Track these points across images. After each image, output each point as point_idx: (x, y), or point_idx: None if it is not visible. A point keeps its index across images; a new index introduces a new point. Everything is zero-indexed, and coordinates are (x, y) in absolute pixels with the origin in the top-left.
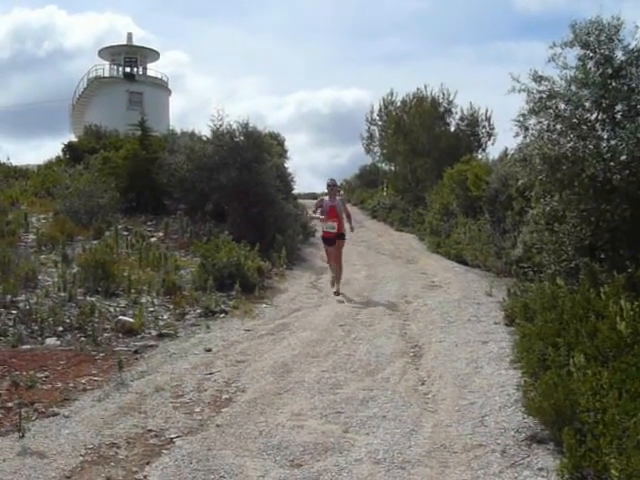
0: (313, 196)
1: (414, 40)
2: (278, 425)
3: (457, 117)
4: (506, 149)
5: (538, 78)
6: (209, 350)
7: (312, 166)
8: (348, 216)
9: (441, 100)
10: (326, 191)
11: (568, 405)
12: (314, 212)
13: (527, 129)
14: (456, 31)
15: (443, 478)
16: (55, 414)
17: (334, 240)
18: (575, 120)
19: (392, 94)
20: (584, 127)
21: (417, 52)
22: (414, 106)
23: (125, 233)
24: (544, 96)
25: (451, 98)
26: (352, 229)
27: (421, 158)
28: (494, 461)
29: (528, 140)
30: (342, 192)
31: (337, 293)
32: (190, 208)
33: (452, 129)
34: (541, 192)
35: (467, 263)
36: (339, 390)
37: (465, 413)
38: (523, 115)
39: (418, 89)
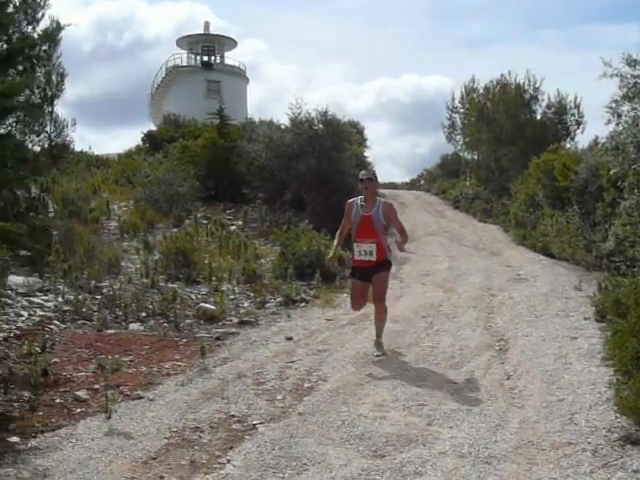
0: (393, 186)
1: (499, 24)
2: (360, 415)
3: (544, 104)
4: (596, 137)
5: (632, 62)
6: (290, 338)
7: (392, 156)
8: (401, 230)
9: (526, 87)
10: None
11: None
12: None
13: (620, 116)
14: (543, 14)
15: (531, 475)
16: (140, 397)
17: (368, 273)
18: None
19: (474, 81)
20: None
21: (501, 37)
22: (498, 93)
23: (204, 221)
24: (639, 81)
25: (537, 85)
26: (402, 247)
27: (505, 147)
28: (585, 460)
29: (621, 128)
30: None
31: (380, 348)
32: (269, 197)
33: (538, 117)
34: (635, 182)
35: (554, 256)
36: (421, 382)
37: (553, 410)
38: (616, 101)
39: (502, 75)
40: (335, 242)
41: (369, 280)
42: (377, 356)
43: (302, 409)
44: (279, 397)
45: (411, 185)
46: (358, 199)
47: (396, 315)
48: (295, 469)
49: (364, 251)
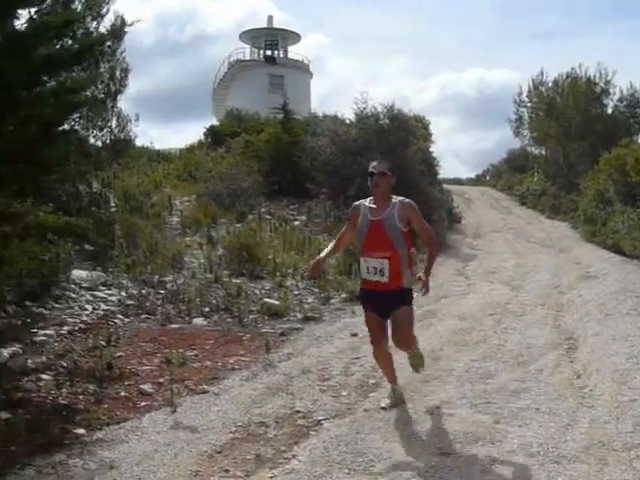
0: (457, 182)
1: (569, 16)
2: (427, 412)
3: (615, 98)
4: None
5: None
6: (355, 335)
7: (457, 151)
8: (429, 239)
9: (597, 80)
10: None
11: None
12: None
13: None
14: (617, 4)
15: (602, 476)
16: (205, 391)
17: (383, 302)
18: None
19: (542, 74)
20: None
21: (572, 29)
22: (567, 87)
23: (268, 217)
24: None
25: (609, 78)
26: (425, 285)
27: (574, 142)
28: None
29: None
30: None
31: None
32: (333, 192)
33: (609, 111)
34: None
35: (625, 254)
36: (489, 380)
37: (625, 410)
38: None
39: (572, 69)
40: (326, 249)
41: (386, 314)
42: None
43: (368, 405)
44: (344, 393)
45: (476, 181)
46: (366, 201)
47: (463, 312)
48: (361, 465)
49: (372, 268)
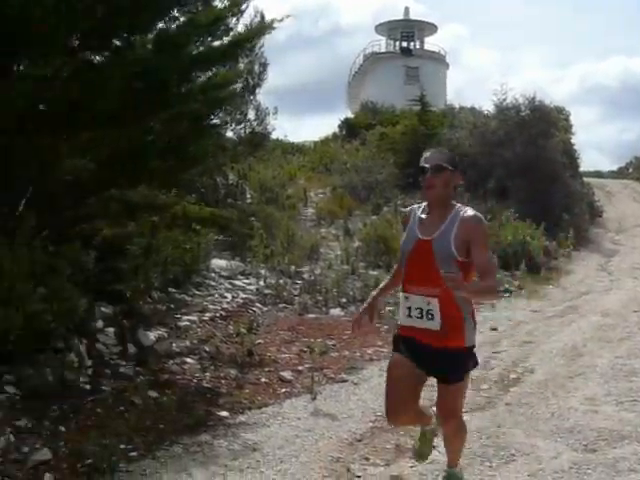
0: (598, 174)
1: None
2: (570, 408)
3: None
4: None
5: None
6: (495, 329)
7: (597, 142)
8: (485, 272)
9: None
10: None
11: None
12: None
13: None
14: None
15: None
16: (344, 380)
17: (423, 355)
18: None
19: None
20: None
21: None
22: None
23: (403, 209)
24: None
25: None
26: (459, 285)
27: None
28: None
29: None
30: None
31: None
32: (470, 185)
33: None
34: None
35: None
36: (635, 378)
37: None
38: None
39: None
40: (377, 289)
41: (424, 367)
42: None
43: (509, 400)
44: (484, 387)
45: (618, 174)
46: (420, 207)
47: (606, 309)
48: (503, 459)
49: (417, 309)
